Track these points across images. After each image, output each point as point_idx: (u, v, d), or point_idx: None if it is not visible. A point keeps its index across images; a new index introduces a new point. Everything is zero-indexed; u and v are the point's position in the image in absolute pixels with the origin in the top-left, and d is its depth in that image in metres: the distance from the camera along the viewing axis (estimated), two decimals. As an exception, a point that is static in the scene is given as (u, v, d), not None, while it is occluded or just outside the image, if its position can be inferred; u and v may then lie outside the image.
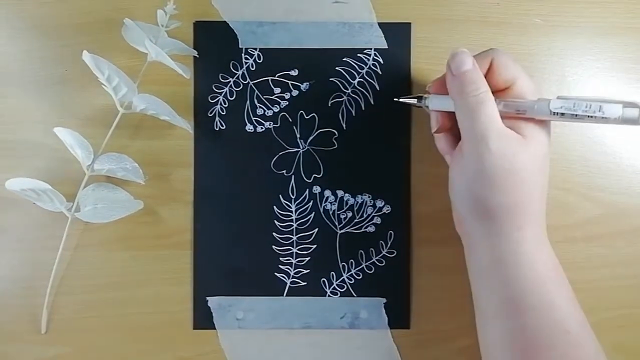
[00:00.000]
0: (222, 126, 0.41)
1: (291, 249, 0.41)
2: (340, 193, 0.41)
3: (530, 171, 0.33)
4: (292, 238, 0.41)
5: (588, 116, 0.30)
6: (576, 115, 0.31)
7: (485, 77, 0.34)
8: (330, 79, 0.41)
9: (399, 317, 0.41)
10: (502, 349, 0.33)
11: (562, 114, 0.32)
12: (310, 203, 0.41)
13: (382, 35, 0.41)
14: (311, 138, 0.41)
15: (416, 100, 0.38)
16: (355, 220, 0.41)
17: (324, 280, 0.41)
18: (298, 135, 0.41)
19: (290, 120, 0.41)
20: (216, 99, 0.41)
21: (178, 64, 0.38)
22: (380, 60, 0.41)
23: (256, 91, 0.41)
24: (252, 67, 0.41)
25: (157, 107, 0.38)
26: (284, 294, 0.41)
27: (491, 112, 0.33)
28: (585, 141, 0.41)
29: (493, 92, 0.34)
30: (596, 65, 0.41)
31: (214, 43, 0.41)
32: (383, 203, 0.41)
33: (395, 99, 0.39)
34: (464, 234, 0.37)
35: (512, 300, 0.33)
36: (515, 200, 0.33)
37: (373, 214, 0.41)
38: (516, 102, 0.34)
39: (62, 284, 0.41)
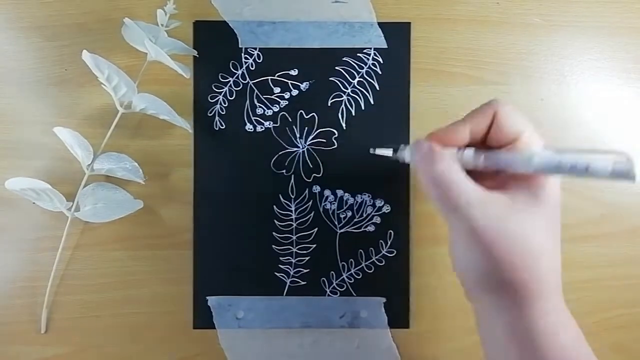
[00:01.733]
0: (222, 126, 0.41)
1: (291, 249, 0.41)
2: (339, 192, 0.41)
3: (530, 235, 0.29)
4: (291, 237, 0.41)
5: (575, 174, 0.26)
6: (560, 173, 0.27)
7: (489, 131, 0.32)
8: (330, 79, 0.41)
9: (398, 316, 0.41)
10: None
11: (546, 169, 0.28)
12: (310, 202, 0.41)
13: (382, 34, 0.41)
14: (311, 138, 0.41)
15: (392, 151, 0.35)
16: (355, 220, 0.41)
17: (323, 280, 0.41)
18: (298, 135, 0.41)
19: (290, 119, 0.41)
20: (216, 99, 0.41)
21: (178, 64, 0.38)
22: (380, 59, 0.41)
23: (256, 91, 0.41)
24: (252, 66, 0.41)
25: (157, 106, 0.38)
26: (284, 294, 0.41)
27: (458, 180, 0.30)
28: (586, 140, 0.41)
29: (493, 147, 0.31)
30: (596, 65, 0.41)
31: (213, 43, 0.41)
32: (383, 202, 0.41)
33: (370, 151, 0.37)
34: (471, 300, 0.33)
35: None
36: (523, 274, 0.29)
37: (373, 213, 0.41)
38: (498, 155, 0.31)
39: (62, 284, 0.41)
